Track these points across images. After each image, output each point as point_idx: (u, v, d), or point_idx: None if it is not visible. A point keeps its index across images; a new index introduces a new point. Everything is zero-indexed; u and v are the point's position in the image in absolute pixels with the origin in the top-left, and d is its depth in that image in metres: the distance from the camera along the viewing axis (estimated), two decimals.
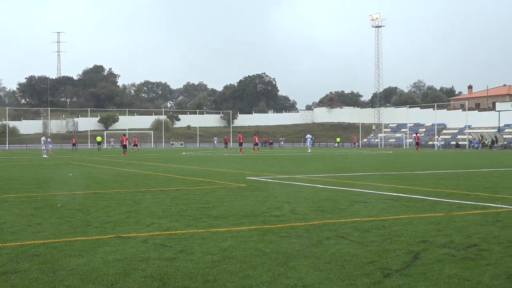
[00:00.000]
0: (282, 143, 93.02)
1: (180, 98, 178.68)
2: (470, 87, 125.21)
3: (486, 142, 74.73)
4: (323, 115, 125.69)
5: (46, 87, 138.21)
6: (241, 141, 55.90)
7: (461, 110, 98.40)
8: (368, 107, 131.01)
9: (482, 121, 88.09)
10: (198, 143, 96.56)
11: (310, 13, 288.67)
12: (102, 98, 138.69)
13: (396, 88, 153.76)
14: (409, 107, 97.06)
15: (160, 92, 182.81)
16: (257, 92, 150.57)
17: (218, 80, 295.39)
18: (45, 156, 44.08)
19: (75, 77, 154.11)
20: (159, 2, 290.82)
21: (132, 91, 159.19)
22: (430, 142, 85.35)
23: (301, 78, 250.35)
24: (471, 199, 11.64)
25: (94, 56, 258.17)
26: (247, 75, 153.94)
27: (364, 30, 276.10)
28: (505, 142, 74.11)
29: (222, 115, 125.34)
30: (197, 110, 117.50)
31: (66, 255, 6.34)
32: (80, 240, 7.27)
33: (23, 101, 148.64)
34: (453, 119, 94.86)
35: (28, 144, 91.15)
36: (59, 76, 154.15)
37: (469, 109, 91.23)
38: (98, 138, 68.88)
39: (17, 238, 7.43)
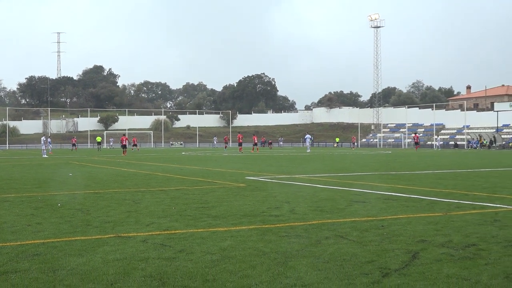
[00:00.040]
0: (281, 143, 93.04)
1: (180, 98, 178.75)
2: (468, 87, 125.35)
3: (485, 142, 74.78)
4: (322, 115, 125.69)
5: (46, 87, 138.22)
6: (241, 141, 56.07)
7: (459, 110, 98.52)
8: (367, 107, 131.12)
9: (481, 121, 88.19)
10: (197, 143, 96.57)
11: (309, 14, 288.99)
12: (102, 98, 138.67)
13: (395, 88, 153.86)
14: (408, 107, 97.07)
15: (159, 92, 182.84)
16: (256, 92, 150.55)
17: (218, 80, 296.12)
18: (45, 156, 44.08)
19: (75, 77, 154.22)
20: (159, 2, 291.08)
21: (132, 91, 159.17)
22: (428, 142, 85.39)
23: (300, 78, 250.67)
24: (469, 199, 11.67)
25: (94, 56, 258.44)
26: (246, 75, 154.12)
27: (363, 30, 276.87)
28: (504, 142, 74.18)
29: (222, 115, 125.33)
30: (197, 110, 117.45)
31: (66, 255, 6.35)
32: (80, 239, 7.29)
33: (23, 101, 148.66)
34: (452, 119, 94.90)
35: (28, 144, 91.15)
36: (59, 76, 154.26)
37: (468, 109, 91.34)
38: (98, 138, 68.91)
39: (17, 237, 7.45)
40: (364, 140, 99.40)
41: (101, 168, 25.13)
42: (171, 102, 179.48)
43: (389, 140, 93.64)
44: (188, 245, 6.86)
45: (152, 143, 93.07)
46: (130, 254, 6.38)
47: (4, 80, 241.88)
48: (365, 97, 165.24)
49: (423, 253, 6.35)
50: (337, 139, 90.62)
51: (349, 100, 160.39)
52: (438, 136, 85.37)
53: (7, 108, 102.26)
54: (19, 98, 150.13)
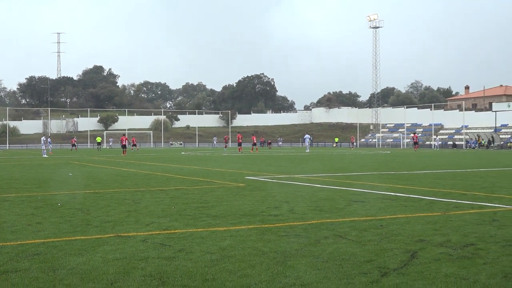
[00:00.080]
0: (280, 143, 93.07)
1: (179, 98, 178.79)
2: (467, 88, 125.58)
3: (483, 142, 74.87)
4: (321, 115, 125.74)
5: (46, 87, 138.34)
6: (240, 141, 56.21)
7: (458, 110, 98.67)
8: (366, 107, 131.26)
9: (479, 121, 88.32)
10: (197, 143, 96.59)
11: (309, 14, 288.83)
12: (101, 98, 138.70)
13: (393, 88, 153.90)
14: (407, 107, 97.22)
15: (159, 92, 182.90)
16: (255, 93, 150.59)
17: (217, 80, 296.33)
18: (45, 156, 44.12)
19: (75, 78, 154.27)
20: (159, 2, 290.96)
21: (131, 92, 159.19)
22: (427, 142, 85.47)
23: (299, 78, 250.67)
24: (468, 199, 11.69)
25: (94, 56, 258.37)
26: (245, 76, 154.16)
27: (362, 31, 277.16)
28: (502, 142, 74.24)
29: (221, 115, 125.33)
30: (196, 110, 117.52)
31: (66, 254, 6.37)
32: (80, 239, 7.31)
33: (23, 101, 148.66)
34: (450, 119, 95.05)
35: (28, 144, 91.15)
36: (59, 76, 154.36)
37: (466, 110, 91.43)
38: (98, 139, 68.97)
39: (18, 237, 7.46)
40: (363, 140, 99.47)
41: (101, 168, 25.15)
42: (170, 102, 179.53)
43: (388, 140, 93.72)
44: (188, 245, 6.88)
45: (151, 143, 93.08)
46: (130, 253, 6.39)
47: (4, 80, 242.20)
48: (364, 97, 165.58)
49: (421, 253, 6.37)
50: (336, 139, 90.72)
51: (348, 100, 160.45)
52: (437, 136, 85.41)
53: (7, 108, 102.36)
54: (19, 98, 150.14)
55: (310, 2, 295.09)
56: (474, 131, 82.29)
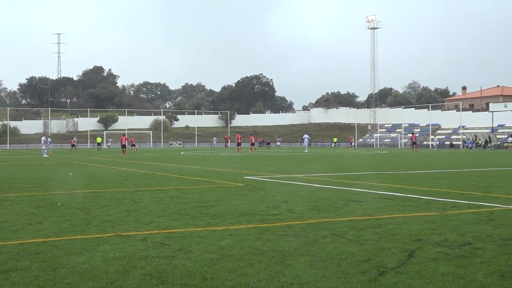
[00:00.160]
0: (278, 143, 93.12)
1: (179, 98, 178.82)
2: (464, 88, 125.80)
3: (480, 142, 74.93)
4: (319, 116, 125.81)
5: (46, 87, 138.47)
6: (240, 141, 56.30)
7: (455, 110, 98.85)
8: (364, 107, 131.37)
9: (476, 122, 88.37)
10: (196, 143, 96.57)
11: (307, 15, 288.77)
12: (101, 99, 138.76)
13: (391, 89, 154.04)
14: (404, 107, 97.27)
15: (159, 92, 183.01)
16: (254, 93, 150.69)
17: (216, 81, 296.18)
18: (45, 155, 44.16)
19: (75, 78, 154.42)
20: (159, 2, 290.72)
21: (131, 92, 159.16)
22: (424, 142, 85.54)
23: (298, 79, 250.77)
24: (465, 198, 11.73)
25: (94, 57, 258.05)
26: (244, 76, 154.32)
27: (360, 31, 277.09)
28: (499, 142, 74.27)
29: (220, 115, 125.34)
30: (196, 111, 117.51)
31: (66, 253, 6.39)
32: (80, 238, 7.33)
33: (23, 101, 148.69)
34: (448, 119, 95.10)
35: (29, 144, 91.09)
36: (59, 77, 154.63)
37: (463, 110, 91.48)
38: (98, 139, 69.04)
39: (18, 236, 7.49)
40: (361, 140, 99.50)
41: (101, 168, 25.16)
42: (170, 103, 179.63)
43: (386, 140, 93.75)
44: (187, 244, 6.90)
45: (151, 143, 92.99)
46: (130, 252, 6.42)
47: (4, 81, 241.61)
48: (362, 97, 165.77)
49: (419, 252, 6.40)
50: (335, 139, 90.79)
51: (346, 100, 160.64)
52: (435, 136, 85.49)
53: (8, 108, 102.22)
54: (20, 98, 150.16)
55: (309, 3, 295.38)
56: (471, 131, 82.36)
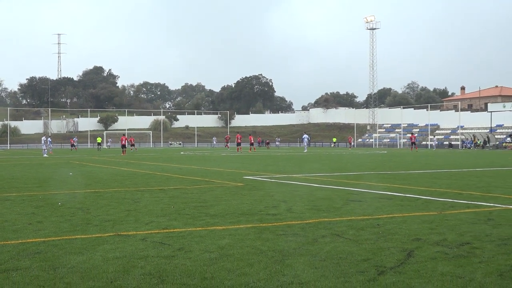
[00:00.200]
0: (278, 143, 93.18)
1: (179, 98, 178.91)
2: (462, 88, 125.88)
3: (479, 142, 74.98)
4: (318, 116, 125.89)
5: (46, 87, 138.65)
6: (239, 141, 56.40)
7: (454, 110, 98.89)
8: (363, 107, 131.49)
9: (475, 122, 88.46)
10: (196, 143, 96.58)
11: (307, 15, 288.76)
12: (101, 99, 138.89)
13: (390, 89, 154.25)
14: (403, 107, 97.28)
15: (158, 93, 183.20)
16: (254, 93, 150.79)
17: (216, 81, 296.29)
18: (45, 155, 44.18)
19: (75, 78, 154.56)
20: (159, 2, 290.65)
21: (131, 92, 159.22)
22: (423, 142, 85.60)
23: (297, 79, 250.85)
24: (463, 198, 11.75)
25: (94, 57, 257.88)
26: (244, 76, 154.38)
27: (359, 32, 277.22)
28: (497, 142, 74.31)
29: (220, 115, 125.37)
30: (195, 111, 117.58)
31: (66, 253, 6.41)
32: (80, 238, 7.35)
33: (24, 101, 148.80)
34: (446, 119, 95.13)
35: (29, 144, 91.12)
36: (59, 77, 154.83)
37: (462, 110, 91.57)
38: (99, 139, 69.16)
39: (19, 236, 7.51)
40: (360, 140, 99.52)
41: (101, 168, 25.17)
42: (170, 103, 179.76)
43: (385, 140, 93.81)
44: (187, 244, 6.92)
45: (151, 143, 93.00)
46: (130, 252, 6.44)
47: (5, 81, 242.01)
48: (361, 97, 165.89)
49: (418, 252, 6.42)
50: (334, 139, 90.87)
51: (345, 100, 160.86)
52: (434, 136, 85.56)
53: (8, 108, 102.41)
54: (20, 98, 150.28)
55: (309, 3, 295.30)
56: (470, 131, 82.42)
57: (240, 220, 8.81)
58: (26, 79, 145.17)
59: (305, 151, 54.76)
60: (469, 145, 75.71)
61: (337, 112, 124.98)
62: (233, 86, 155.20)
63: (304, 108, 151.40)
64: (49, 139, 54.76)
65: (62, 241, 7.14)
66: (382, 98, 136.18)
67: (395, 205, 10.62)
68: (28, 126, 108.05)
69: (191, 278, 5.33)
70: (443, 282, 5.16)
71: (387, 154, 48.24)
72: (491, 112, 79.99)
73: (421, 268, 5.68)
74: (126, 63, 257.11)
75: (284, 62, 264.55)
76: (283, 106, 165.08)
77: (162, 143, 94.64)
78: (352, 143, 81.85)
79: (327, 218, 9.01)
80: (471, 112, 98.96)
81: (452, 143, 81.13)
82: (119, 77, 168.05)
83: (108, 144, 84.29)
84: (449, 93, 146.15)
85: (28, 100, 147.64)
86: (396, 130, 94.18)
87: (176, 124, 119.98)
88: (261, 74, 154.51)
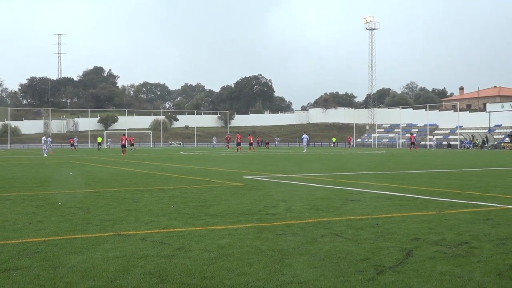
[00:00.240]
0: (277, 143, 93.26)
1: (178, 99, 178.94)
2: (461, 89, 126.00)
3: (477, 142, 75.04)
4: (318, 116, 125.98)
5: (47, 88, 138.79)
6: (239, 141, 56.49)
7: (452, 111, 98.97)
8: (362, 107, 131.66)
9: (473, 122, 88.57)
10: (195, 143, 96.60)
11: (306, 16, 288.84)
12: (102, 99, 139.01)
13: (389, 89, 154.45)
14: (402, 108, 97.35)
15: (158, 93, 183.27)
16: (253, 93, 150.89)
17: (216, 81, 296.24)
18: (45, 155, 44.22)
19: (75, 78, 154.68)
20: (159, 2, 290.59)
21: (131, 92, 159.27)
22: (422, 142, 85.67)
23: (296, 79, 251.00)
24: (462, 198, 11.78)
25: (94, 57, 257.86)
26: (243, 77, 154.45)
27: (359, 32, 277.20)
28: (496, 142, 74.36)
29: (219, 115, 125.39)
30: (195, 111, 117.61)
31: (66, 252, 6.43)
32: (80, 237, 7.37)
33: (24, 101, 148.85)
34: (445, 119, 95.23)
35: (30, 144, 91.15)
36: (59, 77, 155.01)
37: (461, 110, 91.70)
38: (99, 139, 69.28)
39: (19, 235, 7.53)
40: (359, 140, 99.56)
41: (101, 168, 25.18)
42: (169, 103, 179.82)
43: (384, 140, 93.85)
44: (187, 243, 6.94)
45: (151, 143, 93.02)
46: (130, 251, 6.46)
47: (5, 81, 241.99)
48: (360, 97, 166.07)
49: (417, 251, 6.43)
50: (334, 139, 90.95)
51: (345, 100, 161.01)
52: (433, 136, 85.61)
53: (9, 108, 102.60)
54: (21, 98, 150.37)
55: (308, 3, 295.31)
56: (469, 131, 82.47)
57: (239, 220, 8.82)
58: (27, 79, 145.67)
59: (305, 151, 54.78)
60: (467, 145, 75.78)
61: (336, 112, 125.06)
62: (232, 86, 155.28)
63: (304, 108, 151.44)
64: (49, 139, 54.79)
65: (62, 240, 7.16)
66: (381, 98, 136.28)
67: (394, 205, 10.64)
68: (29, 126, 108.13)
69: (191, 278, 5.34)
70: (442, 282, 5.18)
71: (386, 154, 48.27)
72: (489, 112, 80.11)
73: (420, 267, 5.69)
74: (126, 63, 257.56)
75: (284, 62, 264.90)
76: (282, 106, 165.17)
77: (162, 143, 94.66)
78: (352, 143, 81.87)
79: (326, 217, 9.03)
80: (470, 112, 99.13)
81: (451, 143, 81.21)
82: (119, 77, 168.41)
83: (108, 144, 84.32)
84: (448, 93, 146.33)
85: (29, 100, 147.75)
86: (395, 130, 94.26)
87: (176, 124, 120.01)
88: (260, 74, 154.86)
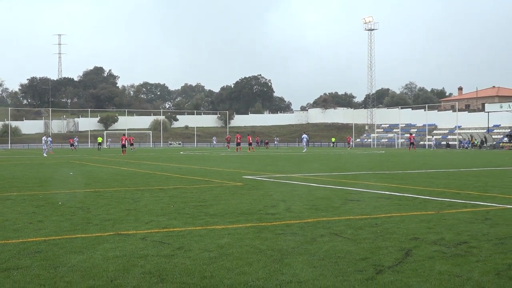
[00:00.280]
0: (276, 143, 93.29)
1: (178, 99, 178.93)
2: (460, 89, 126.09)
3: (476, 142, 75.07)
4: (317, 116, 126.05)
5: (47, 88, 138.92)
6: (239, 141, 56.57)
7: (451, 111, 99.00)
8: (361, 108, 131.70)
9: (472, 122, 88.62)
10: (195, 143, 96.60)
11: (306, 16, 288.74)
12: (102, 99, 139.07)
13: (388, 89, 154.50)
14: (401, 108, 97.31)
15: (158, 93, 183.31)
16: (253, 93, 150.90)
17: (215, 81, 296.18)
18: (45, 155, 44.23)
19: (75, 79, 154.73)
20: (159, 2, 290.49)
21: (131, 92, 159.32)
22: (421, 142, 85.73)
23: (296, 79, 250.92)
24: (461, 198, 11.80)
25: (94, 57, 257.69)
26: (243, 77, 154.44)
27: (358, 32, 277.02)
28: (494, 142, 74.40)
29: (219, 115, 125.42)
30: (195, 111, 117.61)
31: (67, 252, 6.45)
32: (80, 237, 7.39)
33: (25, 101, 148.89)
34: (444, 119, 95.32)
35: (30, 143, 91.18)
36: (60, 77, 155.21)
37: (459, 110, 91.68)
38: (99, 139, 69.34)
39: (19, 235, 7.55)
40: (358, 140, 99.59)
41: (101, 167, 25.19)
42: (169, 103, 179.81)
43: (383, 140, 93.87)
44: (186, 243, 6.96)
45: (151, 143, 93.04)
46: (130, 251, 6.48)
47: (6, 81, 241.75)
48: (359, 98, 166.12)
49: (416, 251, 6.45)
50: (333, 139, 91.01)
51: (344, 101, 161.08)
52: (433, 136, 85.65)
53: (9, 108, 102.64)
54: (21, 98, 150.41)
55: (308, 3, 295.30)
56: (467, 131, 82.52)
57: (239, 220, 8.84)
58: (27, 79, 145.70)
59: (304, 150, 54.79)
60: (466, 145, 75.81)
61: (335, 112, 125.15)
62: (232, 86, 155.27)
63: (303, 108, 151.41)
64: (49, 139, 54.79)
65: (62, 240, 7.18)
66: (380, 98, 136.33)
67: (393, 205, 10.67)
68: (29, 126, 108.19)
69: (190, 277, 5.36)
70: (440, 281, 5.19)
71: (385, 154, 48.28)
72: (488, 112, 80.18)
73: (419, 267, 5.71)
74: (126, 63, 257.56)
75: (283, 62, 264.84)
76: (282, 106, 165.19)
77: (162, 143, 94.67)
78: (351, 143, 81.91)
79: (325, 217, 9.05)
80: (469, 112, 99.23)
81: (450, 143, 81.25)
82: (119, 77, 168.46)
83: (108, 144, 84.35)
84: (447, 94, 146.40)
85: (29, 100, 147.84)
86: (394, 130, 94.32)
87: (175, 124, 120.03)
88: (260, 75, 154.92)
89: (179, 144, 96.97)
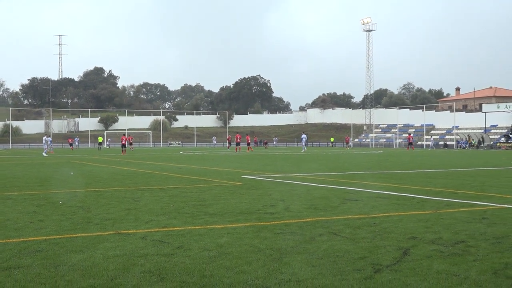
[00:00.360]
0: (275, 143, 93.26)
1: (178, 99, 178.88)
2: (457, 89, 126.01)
3: (473, 142, 75.09)
4: (316, 116, 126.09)
5: (48, 88, 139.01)
6: (239, 141, 56.64)
7: (449, 111, 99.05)
8: (360, 108, 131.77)
9: (469, 122, 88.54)
10: (195, 143, 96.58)
11: (305, 17, 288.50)
12: (102, 99, 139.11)
13: (386, 90, 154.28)
14: (399, 108, 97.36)
15: (158, 93, 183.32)
16: (252, 94, 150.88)
17: (215, 81, 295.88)
18: (45, 155, 44.21)
19: (76, 79, 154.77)
20: (159, 2, 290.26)
21: (131, 93, 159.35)
22: (419, 142, 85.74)
23: (295, 80, 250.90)
24: (459, 197, 11.84)
25: (95, 57, 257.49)
26: (242, 77, 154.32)
27: (357, 33, 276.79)
28: (491, 142, 74.40)
29: (219, 115, 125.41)
30: (194, 111, 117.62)
31: (67, 251, 6.47)
32: (81, 236, 7.42)
33: (25, 101, 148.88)
34: (442, 120, 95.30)
35: (31, 143, 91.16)
36: (60, 77, 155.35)
37: (457, 111, 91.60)
38: (100, 139, 69.40)
39: (20, 234, 7.58)
40: (356, 140, 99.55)
41: (101, 167, 25.20)
42: (169, 103, 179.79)
43: (381, 140, 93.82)
44: (186, 242, 6.99)
45: (151, 143, 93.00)
46: (130, 250, 6.50)
47: (6, 81, 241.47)
48: (357, 98, 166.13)
49: (413, 250, 6.48)
50: (332, 139, 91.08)
51: (342, 101, 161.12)
52: (431, 136, 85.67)
53: (10, 108, 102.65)
54: (22, 98, 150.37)
55: (307, 4, 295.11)
56: (465, 131, 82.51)
57: (238, 219, 8.87)
58: (28, 79, 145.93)
59: (303, 150, 54.80)
60: (464, 145, 75.82)
61: (334, 112, 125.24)
62: (231, 86, 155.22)
63: (302, 109, 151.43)
64: (49, 138, 54.78)
65: (63, 239, 7.21)
66: (379, 98, 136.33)
67: (391, 204, 10.70)
68: (30, 126, 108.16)
69: (190, 276, 5.38)
70: (438, 280, 5.22)
71: (383, 154, 48.26)
72: (485, 112, 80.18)
73: (417, 266, 5.73)
74: (126, 64, 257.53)
75: (282, 63, 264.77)
76: (281, 106, 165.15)
77: (161, 143, 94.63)
78: (350, 143, 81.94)
79: (324, 217, 9.08)
80: (466, 112, 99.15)
81: (447, 143, 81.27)
82: (119, 77, 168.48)
83: (108, 143, 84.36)
84: (444, 94, 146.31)
85: (30, 101, 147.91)
86: (392, 130, 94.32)
87: (175, 124, 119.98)
88: (259, 75, 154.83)
89: (179, 144, 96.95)
